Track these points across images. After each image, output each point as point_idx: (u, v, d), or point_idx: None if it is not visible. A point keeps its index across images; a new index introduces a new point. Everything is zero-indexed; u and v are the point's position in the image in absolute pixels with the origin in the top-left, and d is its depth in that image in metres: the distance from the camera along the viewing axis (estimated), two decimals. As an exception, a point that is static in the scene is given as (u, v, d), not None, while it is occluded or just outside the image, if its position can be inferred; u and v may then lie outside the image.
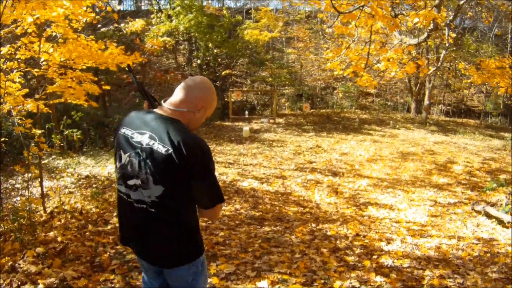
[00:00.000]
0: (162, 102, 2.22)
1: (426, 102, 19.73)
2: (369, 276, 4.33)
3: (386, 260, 4.84)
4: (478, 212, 7.23)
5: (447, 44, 7.69)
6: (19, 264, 4.17)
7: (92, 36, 6.75)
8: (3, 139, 6.40)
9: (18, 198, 6.57)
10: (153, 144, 2.03)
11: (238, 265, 4.53)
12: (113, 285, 3.93)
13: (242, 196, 7.75)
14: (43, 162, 9.07)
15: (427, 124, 18.78)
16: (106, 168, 9.16)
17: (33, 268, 4.06)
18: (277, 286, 4.05)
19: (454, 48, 19.16)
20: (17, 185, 7.69)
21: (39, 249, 4.47)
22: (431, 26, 7.73)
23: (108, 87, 8.05)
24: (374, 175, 9.90)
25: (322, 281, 4.20)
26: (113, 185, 7.70)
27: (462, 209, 7.56)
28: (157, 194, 2.05)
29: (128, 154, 2.13)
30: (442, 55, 8.30)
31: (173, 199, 2.08)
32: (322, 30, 22.12)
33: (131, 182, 2.13)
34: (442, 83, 22.86)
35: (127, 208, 2.22)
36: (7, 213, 5.54)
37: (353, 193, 8.40)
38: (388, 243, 5.50)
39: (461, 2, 8.10)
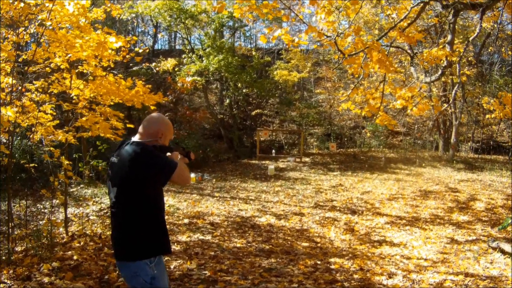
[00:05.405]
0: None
1: (453, 139, 19.53)
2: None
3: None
4: (494, 249, 7.13)
5: (458, 81, 7.82)
6: (35, 275, 4.63)
7: (120, 75, 7.18)
8: (33, 165, 6.86)
9: (43, 222, 7.01)
10: (113, 159, 2.81)
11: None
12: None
13: (257, 231, 7.93)
14: (71, 190, 9.57)
15: (454, 162, 18.58)
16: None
17: (46, 279, 4.53)
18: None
19: (480, 84, 19.01)
20: (44, 210, 8.17)
21: (55, 264, 4.93)
22: (445, 63, 7.89)
23: (131, 125, 7.75)
24: (393, 214, 9.89)
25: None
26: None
27: (478, 246, 7.43)
28: (114, 194, 2.75)
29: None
30: (453, 93, 8.42)
31: (123, 197, 2.73)
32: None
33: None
34: (471, 120, 22.54)
35: None
36: (31, 233, 5.96)
37: (369, 231, 8.42)
38: (389, 277, 5.52)
39: (471, 38, 8.28)
